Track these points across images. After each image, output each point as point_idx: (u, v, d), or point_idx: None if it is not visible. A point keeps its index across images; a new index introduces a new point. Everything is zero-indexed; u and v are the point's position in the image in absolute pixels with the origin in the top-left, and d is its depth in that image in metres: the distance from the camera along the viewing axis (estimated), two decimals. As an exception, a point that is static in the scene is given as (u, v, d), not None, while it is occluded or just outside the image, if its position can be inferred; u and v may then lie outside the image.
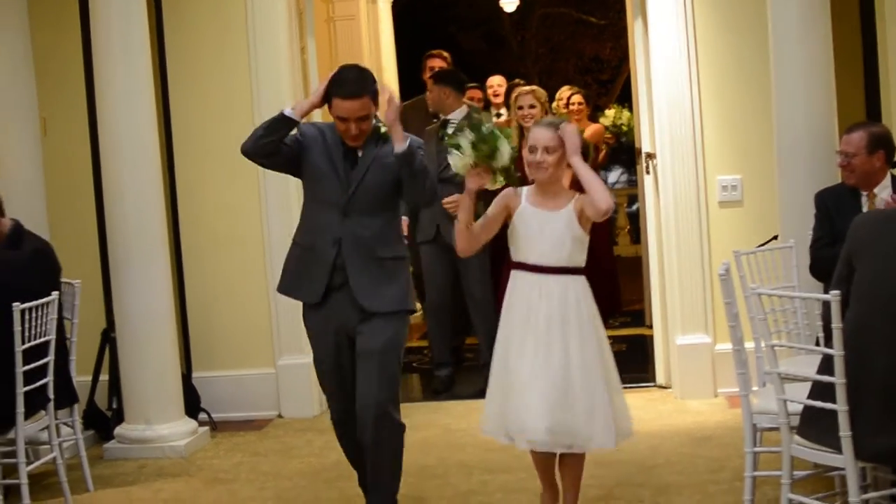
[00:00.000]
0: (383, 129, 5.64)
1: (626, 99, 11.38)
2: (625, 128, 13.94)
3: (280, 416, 8.37)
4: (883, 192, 6.10)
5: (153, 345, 7.54)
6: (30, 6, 7.89)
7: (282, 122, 5.53)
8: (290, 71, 8.35)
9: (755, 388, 5.73)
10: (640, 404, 7.98)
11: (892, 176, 6.17)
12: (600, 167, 11.12)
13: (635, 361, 9.12)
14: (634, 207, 11.29)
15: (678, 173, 8.12)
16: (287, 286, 5.82)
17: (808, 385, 4.94)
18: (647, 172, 8.52)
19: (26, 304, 6.21)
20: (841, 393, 4.64)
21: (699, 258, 8.09)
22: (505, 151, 5.32)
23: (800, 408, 4.94)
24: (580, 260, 5.41)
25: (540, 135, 5.39)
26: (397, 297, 5.64)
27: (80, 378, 7.32)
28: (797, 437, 4.97)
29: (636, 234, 10.81)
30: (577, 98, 10.92)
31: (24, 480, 6.28)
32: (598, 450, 5.47)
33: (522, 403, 5.27)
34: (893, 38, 7.39)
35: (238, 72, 8.30)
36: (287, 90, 8.24)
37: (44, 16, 8.21)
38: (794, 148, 6.90)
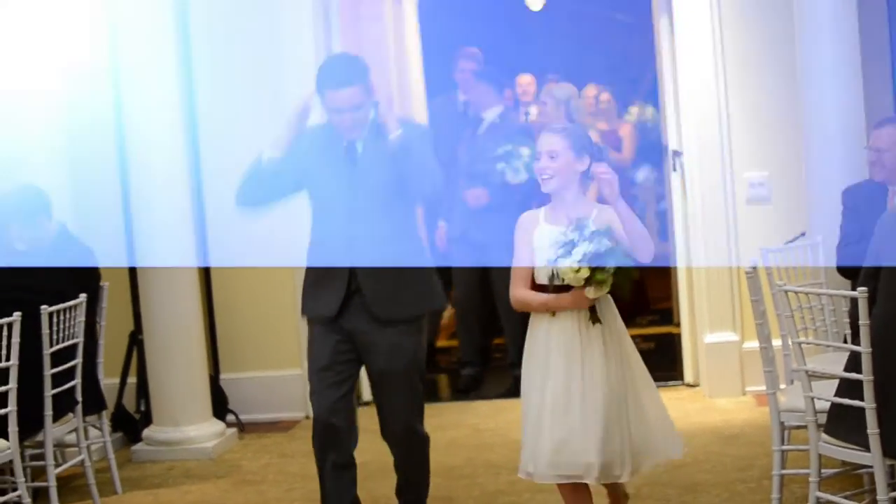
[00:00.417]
0: (381, 122, 5.28)
1: (653, 97, 11.34)
2: (650, 125, 13.87)
3: (308, 417, 8.34)
4: (911, 187, 6.07)
5: (181, 347, 7.56)
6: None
7: (265, 169, 5.26)
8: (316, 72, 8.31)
9: (783, 386, 5.71)
10: (668, 403, 7.82)
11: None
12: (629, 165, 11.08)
13: (663, 360, 9.07)
14: (662, 206, 11.25)
15: (705, 171, 8.08)
16: (305, 306, 5.49)
17: (835, 382, 4.92)
18: (674, 170, 8.48)
19: (54, 307, 6.24)
20: (868, 390, 4.61)
21: (727, 256, 8.05)
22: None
23: (827, 405, 4.92)
24: None
25: (542, 140, 4.96)
26: (414, 300, 5.35)
27: (108, 380, 7.35)
28: (824, 435, 4.94)
29: (664, 231, 10.77)
30: (605, 96, 10.85)
31: (52, 483, 6.29)
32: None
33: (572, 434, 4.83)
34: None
35: (264, 73, 8.29)
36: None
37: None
38: (822, 144, 6.87)
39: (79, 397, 6.56)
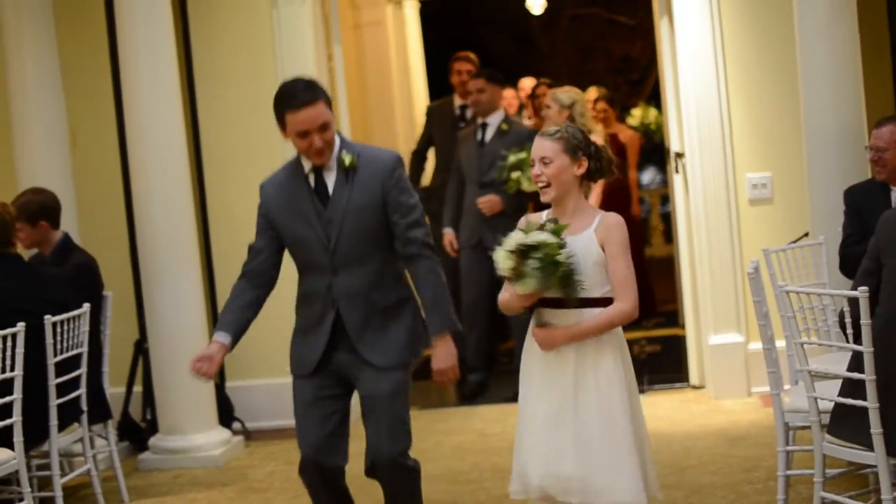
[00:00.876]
0: (348, 160, 5.02)
1: (656, 98, 11.34)
2: (653, 127, 13.89)
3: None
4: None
5: (186, 355, 7.44)
6: (56, 20, 7.95)
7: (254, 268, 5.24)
8: (317, 78, 8.33)
9: (787, 387, 5.70)
10: (674, 405, 7.97)
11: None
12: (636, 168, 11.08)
13: (669, 362, 9.09)
14: (667, 207, 11.27)
15: (707, 172, 8.08)
16: (292, 365, 5.31)
17: (839, 383, 4.91)
18: (677, 172, 8.49)
19: (58, 317, 6.25)
20: (871, 390, 4.62)
21: (730, 257, 8.05)
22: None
23: (831, 405, 4.91)
24: (604, 288, 4.67)
25: (534, 146, 4.80)
26: (397, 348, 5.08)
27: (114, 389, 7.37)
28: (828, 436, 4.94)
29: (669, 233, 10.78)
30: (601, 105, 10.68)
31: (58, 493, 6.29)
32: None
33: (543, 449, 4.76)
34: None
35: (265, 80, 8.29)
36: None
37: (71, 29, 8.26)
38: (823, 144, 6.86)
39: (84, 407, 6.58)
